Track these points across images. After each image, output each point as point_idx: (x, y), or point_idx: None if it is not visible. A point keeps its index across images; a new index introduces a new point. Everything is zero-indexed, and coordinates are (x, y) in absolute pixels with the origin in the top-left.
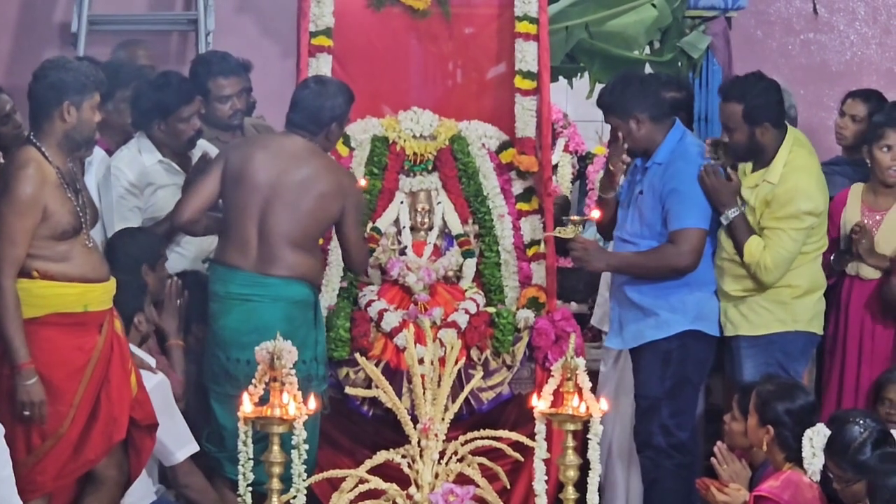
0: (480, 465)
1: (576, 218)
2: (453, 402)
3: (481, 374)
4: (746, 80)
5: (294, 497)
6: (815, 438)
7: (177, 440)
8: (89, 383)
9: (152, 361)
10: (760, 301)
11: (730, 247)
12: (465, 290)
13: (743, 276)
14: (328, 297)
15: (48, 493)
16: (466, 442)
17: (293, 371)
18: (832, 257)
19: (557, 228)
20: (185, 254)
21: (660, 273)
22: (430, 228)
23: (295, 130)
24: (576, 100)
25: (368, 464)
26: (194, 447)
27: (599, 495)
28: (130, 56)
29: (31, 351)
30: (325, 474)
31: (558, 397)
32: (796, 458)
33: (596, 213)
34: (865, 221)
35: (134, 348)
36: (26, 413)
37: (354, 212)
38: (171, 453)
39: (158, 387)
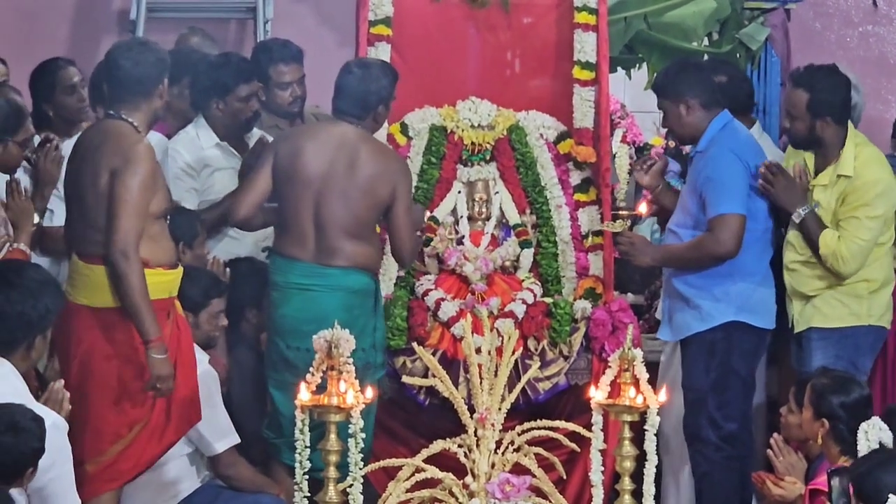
0: (537, 455)
1: (624, 213)
2: (510, 391)
3: (538, 364)
4: (819, 70)
5: (350, 485)
6: (871, 432)
7: (217, 431)
8: None
9: (205, 357)
10: (836, 295)
11: (801, 247)
12: (523, 281)
13: (817, 275)
14: (385, 286)
15: (127, 481)
16: (523, 432)
17: (350, 360)
18: None
19: (606, 223)
20: (239, 237)
21: (703, 262)
22: (488, 218)
23: (342, 117)
24: (633, 91)
25: (425, 453)
26: (235, 439)
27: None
28: (181, 43)
29: (124, 339)
30: (382, 463)
31: (615, 388)
32: (851, 452)
33: (644, 208)
34: None
35: None
36: (159, 386)
37: (405, 197)
38: (210, 444)
39: (202, 377)
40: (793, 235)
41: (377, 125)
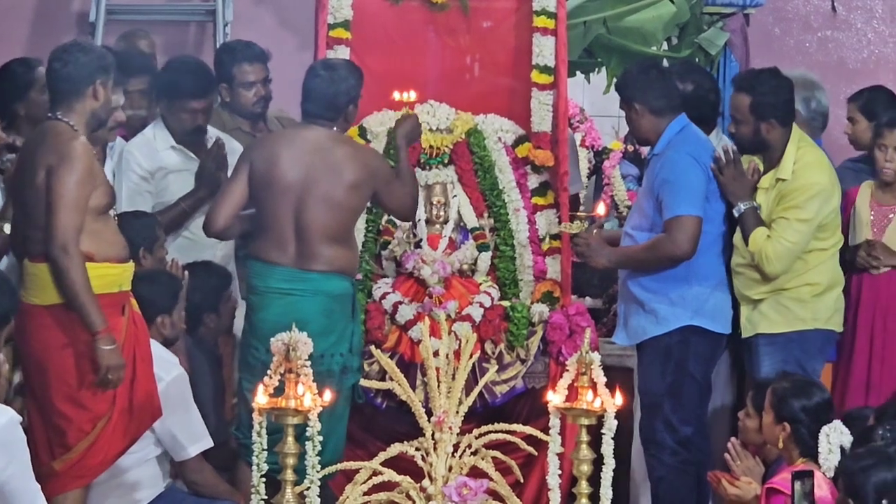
0: (494, 458)
1: (581, 214)
2: (467, 395)
3: (495, 367)
4: (760, 73)
5: (308, 488)
6: (832, 435)
7: (190, 435)
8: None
9: (175, 359)
10: (780, 300)
11: (745, 249)
12: (480, 284)
13: (760, 279)
14: None
15: (95, 477)
16: (480, 435)
17: (308, 362)
18: None
19: (563, 224)
20: (195, 238)
21: (659, 264)
22: (446, 222)
23: (313, 121)
24: (593, 95)
25: (382, 456)
26: (208, 442)
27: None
28: (131, 46)
29: (77, 335)
30: (339, 466)
31: (573, 392)
32: (811, 455)
33: (601, 209)
34: (873, 217)
35: (153, 343)
36: (110, 377)
37: (387, 185)
38: (184, 448)
39: (177, 380)
40: (738, 238)
41: (348, 125)
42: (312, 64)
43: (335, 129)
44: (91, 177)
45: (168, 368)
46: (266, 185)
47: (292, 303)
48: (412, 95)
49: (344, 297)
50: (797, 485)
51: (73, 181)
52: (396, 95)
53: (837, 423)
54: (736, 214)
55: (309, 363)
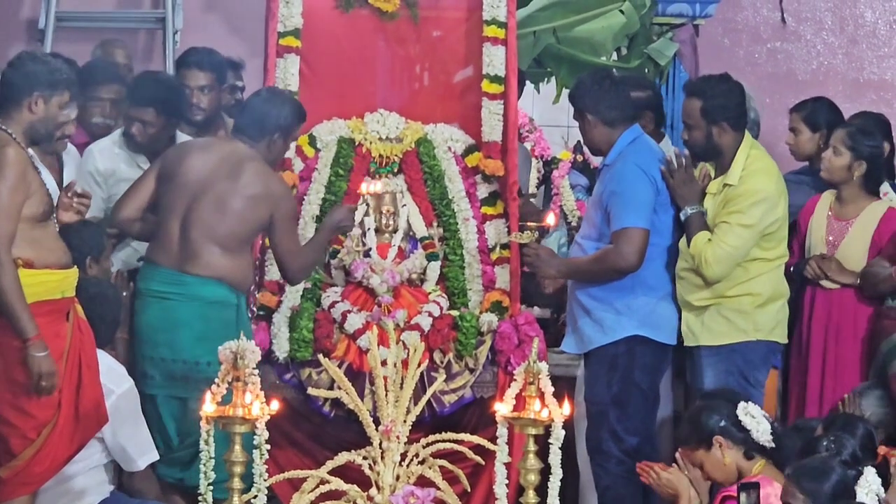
0: (441, 467)
1: (532, 224)
2: (415, 404)
3: (444, 376)
4: (711, 78)
5: (255, 496)
6: (750, 408)
7: (139, 448)
8: (68, 368)
9: (122, 370)
10: (722, 310)
11: (689, 254)
12: (429, 293)
13: (702, 285)
14: (292, 298)
15: (42, 484)
16: (428, 444)
17: (256, 371)
18: (793, 267)
19: (514, 234)
20: (141, 249)
21: (606, 275)
22: (395, 231)
23: (238, 136)
24: (542, 105)
25: (330, 465)
26: (154, 455)
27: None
28: (106, 55)
29: (12, 341)
30: (287, 475)
31: (520, 401)
32: (758, 449)
33: (551, 220)
34: (828, 232)
35: (104, 355)
36: (43, 384)
37: (284, 221)
38: (133, 461)
39: (127, 393)
40: (683, 243)
41: (270, 154)
42: (261, 88)
43: (256, 151)
44: (24, 184)
45: (118, 381)
46: (167, 182)
47: (169, 307)
48: (378, 186)
49: (223, 304)
50: (742, 496)
51: (4, 189)
52: (364, 187)
53: (745, 403)
54: (682, 218)
55: (256, 372)
